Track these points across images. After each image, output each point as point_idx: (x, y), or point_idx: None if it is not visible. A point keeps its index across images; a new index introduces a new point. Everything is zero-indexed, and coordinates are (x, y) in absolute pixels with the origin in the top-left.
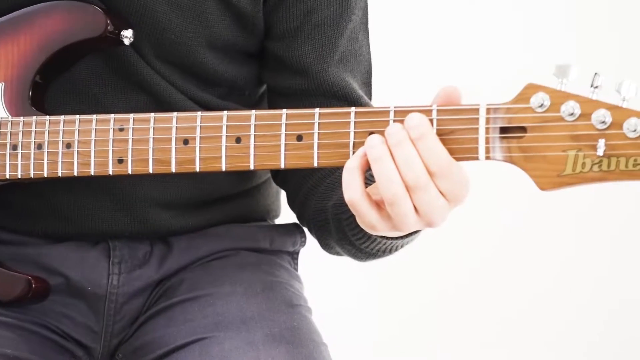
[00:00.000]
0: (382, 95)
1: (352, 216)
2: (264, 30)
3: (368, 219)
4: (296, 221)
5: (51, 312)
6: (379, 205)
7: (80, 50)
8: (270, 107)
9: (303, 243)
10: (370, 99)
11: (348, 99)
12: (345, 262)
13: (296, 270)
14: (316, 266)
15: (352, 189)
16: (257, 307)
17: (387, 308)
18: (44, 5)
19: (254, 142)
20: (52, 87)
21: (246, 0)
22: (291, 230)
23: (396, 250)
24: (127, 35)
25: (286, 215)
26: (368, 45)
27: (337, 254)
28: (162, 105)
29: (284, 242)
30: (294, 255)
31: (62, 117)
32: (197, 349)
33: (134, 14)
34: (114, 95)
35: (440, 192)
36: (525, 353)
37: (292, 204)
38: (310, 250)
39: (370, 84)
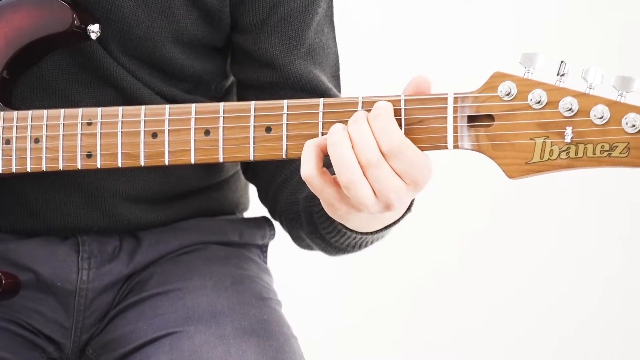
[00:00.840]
0: (354, 89)
1: (323, 209)
2: (230, 24)
3: (325, 196)
4: (265, 214)
5: (21, 308)
6: (336, 183)
7: (47, 46)
8: (240, 100)
9: (272, 236)
10: (339, 92)
11: (317, 91)
12: (314, 255)
13: (265, 263)
14: (285, 259)
15: (308, 164)
16: (227, 300)
17: (357, 300)
18: (11, 0)
19: (223, 134)
20: (20, 83)
21: None
22: (260, 223)
23: (366, 246)
24: (94, 30)
25: (255, 209)
26: (334, 38)
27: (309, 247)
28: (129, 100)
29: (253, 235)
30: (263, 248)
31: (29, 112)
32: (168, 343)
33: (100, 9)
34: (81, 90)
35: (395, 173)
36: (498, 343)
37: (263, 198)
38: (280, 243)
39: (339, 77)
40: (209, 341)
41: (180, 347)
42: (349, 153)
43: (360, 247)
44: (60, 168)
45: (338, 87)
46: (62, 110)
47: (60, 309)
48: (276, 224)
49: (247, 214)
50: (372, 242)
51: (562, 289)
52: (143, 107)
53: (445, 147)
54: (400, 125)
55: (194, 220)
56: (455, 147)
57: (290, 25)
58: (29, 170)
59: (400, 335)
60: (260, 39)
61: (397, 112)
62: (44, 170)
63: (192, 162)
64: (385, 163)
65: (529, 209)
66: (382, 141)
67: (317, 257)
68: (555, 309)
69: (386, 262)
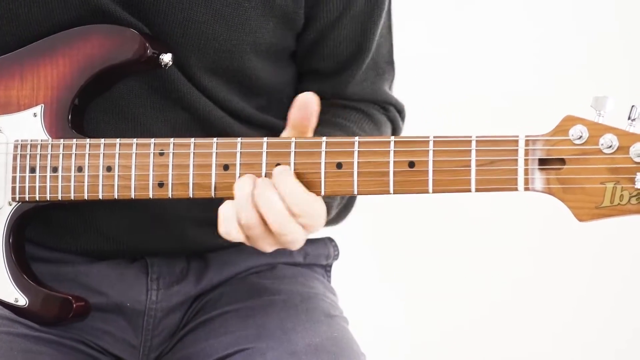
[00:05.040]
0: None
1: None
2: (305, 24)
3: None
4: (329, 235)
5: (90, 329)
6: None
7: (119, 73)
8: (300, 90)
9: (336, 257)
10: (394, 72)
11: (374, 95)
12: (376, 274)
13: (329, 282)
14: (348, 278)
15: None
16: (297, 317)
17: (419, 317)
18: (82, 28)
19: (294, 168)
20: (91, 106)
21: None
22: (325, 244)
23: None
24: (166, 60)
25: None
26: (389, 26)
27: None
28: (201, 122)
29: (318, 256)
30: (327, 268)
31: (102, 140)
32: (239, 359)
33: (177, 27)
34: (153, 114)
35: (300, 225)
36: None
37: None
38: (343, 262)
39: (393, 62)
40: (281, 357)
41: None
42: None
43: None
44: (132, 197)
45: (392, 70)
46: (134, 140)
47: (129, 329)
48: (340, 245)
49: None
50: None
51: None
52: (215, 139)
53: (516, 189)
54: (470, 166)
55: None
56: (526, 189)
57: (359, 22)
58: (100, 197)
59: (463, 356)
60: (331, 36)
61: (467, 153)
62: (116, 198)
63: None
64: (293, 222)
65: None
66: (291, 204)
67: (379, 275)
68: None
69: (450, 280)
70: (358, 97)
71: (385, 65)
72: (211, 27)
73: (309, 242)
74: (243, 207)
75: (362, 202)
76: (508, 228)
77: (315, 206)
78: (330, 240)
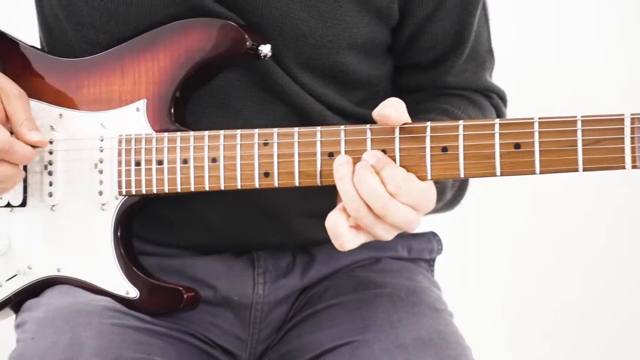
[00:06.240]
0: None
1: None
2: (400, 18)
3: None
4: (433, 229)
5: (199, 321)
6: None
7: (219, 65)
8: (396, 82)
9: (440, 251)
10: (493, 61)
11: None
12: (479, 268)
13: (432, 276)
14: (451, 272)
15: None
16: (404, 311)
17: (521, 311)
18: (182, 22)
19: (399, 153)
20: (193, 99)
21: None
22: (428, 238)
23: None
24: (265, 50)
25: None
26: (486, 15)
27: None
28: (301, 115)
29: (422, 250)
30: (431, 263)
31: (206, 132)
32: (347, 351)
33: (274, 24)
34: (253, 106)
35: (405, 205)
36: None
37: None
38: (446, 257)
39: (492, 50)
40: (389, 350)
41: (360, 356)
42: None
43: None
44: (239, 187)
45: (491, 59)
46: (238, 131)
47: (236, 322)
48: (444, 240)
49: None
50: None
51: None
52: (318, 127)
53: (623, 167)
54: (576, 146)
55: None
56: (634, 167)
57: (456, 14)
58: (207, 189)
59: (571, 349)
60: (428, 30)
61: (573, 133)
62: (222, 189)
63: None
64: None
65: None
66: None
67: (482, 269)
68: None
69: (551, 275)
70: (460, 86)
71: (486, 54)
72: (307, 24)
73: (413, 236)
74: (349, 198)
75: (466, 198)
76: (611, 224)
77: (412, 184)
78: (434, 234)
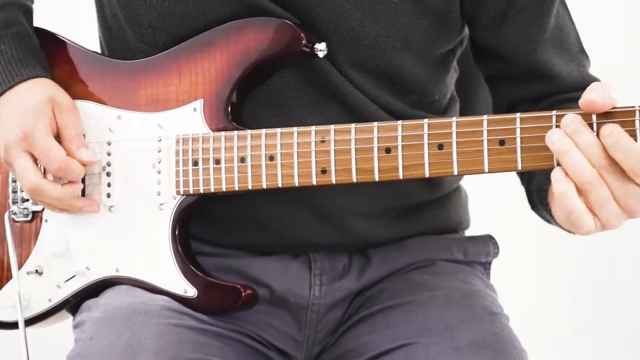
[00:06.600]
0: None
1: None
2: (469, 23)
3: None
4: (489, 232)
5: (255, 322)
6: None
7: (275, 65)
8: (493, 91)
9: (496, 254)
10: (588, 63)
11: (544, 77)
12: (535, 271)
13: (489, 280)
14: (508, 275)
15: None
16: (459, 313)
17: (579, 315)
18: (238, 22)
19: (457, 148)
20: (249, 99)
21: None
22: (485, 241)
23: None
24: (321, 48)
25: (476, 227)
26: (569, 15)
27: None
28: (355, 115)
29: (478, 254)
30: (487, 266)
31: (263, 130)
32: (403, 354)
33: (328, 24)
34: (308, 106)
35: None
36: None
37: None
38: (503, 260)
39: (584, 50)
40: (445, 352)
41: (416, 358)
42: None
43: None
44: (296, 184)
45: (586, 58)
46: (295, 129)
47: (293, 323)
48: (501, 243)
49: (468, 232)
50: None
51: None
52: (375, 123)
53: None
54: (635, 138)
55: (420, 238)
56: None
57: (529, 14)
58: (264, 187)
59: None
60: (501, 32)
61: (631, 124)
62: (280, 186)
63: (427, 175)
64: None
65: None
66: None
67: (538, 272)
68: None
69: (610, 278)
70: (576, 88)
71: (580, 55)
72: (361, 24)
73: (469, 239)
74: (576, 165)
75: (523, 201)
76: None
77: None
78: (490, 237)
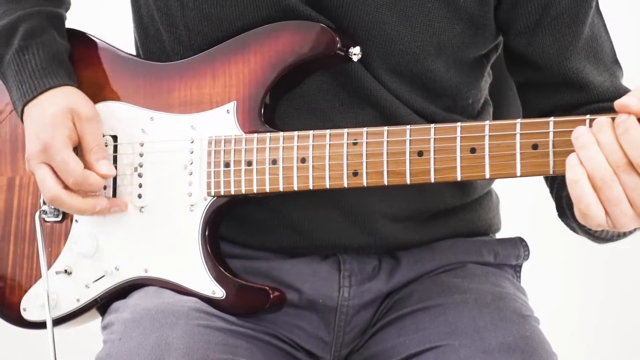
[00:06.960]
0: None
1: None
2: (503, 29)
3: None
4: (520, 235)
5: (283, 323)
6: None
7: (309, 68)
8: (524, 99)
9: (526, 257)
10: (621, 73)
11: (576, 86)
12: (566, 273)
13: (519, 282)
14: (538, 278)
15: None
16: (489, 316)
17: (609, 319)
18: (273, 25)
19: (489, 151)
20: (282, 103)
21: (473, 3)
22: (515, 244)
23: (618, 238)
24: (355, 52)
25: (507, 229)
26: (604, 25)
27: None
28: (388, 119)
29: (508, 256)
30: (517, 269)
31: (295, 132)
32: (432, 356)
33: (362, 28)
34: (342, 110)
35: None
36: None
37: None
38: (533, 263)
39: (618, 60)
40: (475, 355)
41: None
42: (598, 151)
43: (611, 240)
44: (327, 186)
45: (619, 69)
46: (327, 131)
47: (321, 325)
48: (532, 246)
49: (499, 235)
50: (626, 236)
51: None
52: (408, 126)
53: None
54: None
55: (451, 241)
56: None
57: (564, 23)
58: (295, 189)
59: None
60: (534, 40)
61: None
62: (311, 188)
63: (458, 179)
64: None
65: None
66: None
67: (568, 275)
68: None
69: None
70: (608, 98)
71: (613, 65)
72: (395, 28)
73: (499, 241)
74: (592, 159)
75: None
76: None
77: None
78: (520, 240)
